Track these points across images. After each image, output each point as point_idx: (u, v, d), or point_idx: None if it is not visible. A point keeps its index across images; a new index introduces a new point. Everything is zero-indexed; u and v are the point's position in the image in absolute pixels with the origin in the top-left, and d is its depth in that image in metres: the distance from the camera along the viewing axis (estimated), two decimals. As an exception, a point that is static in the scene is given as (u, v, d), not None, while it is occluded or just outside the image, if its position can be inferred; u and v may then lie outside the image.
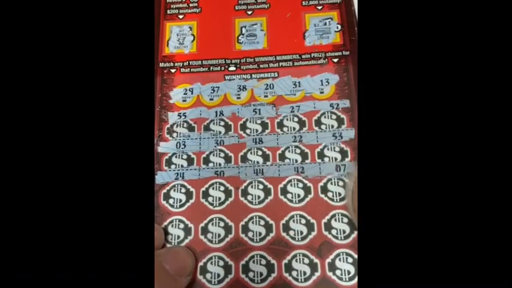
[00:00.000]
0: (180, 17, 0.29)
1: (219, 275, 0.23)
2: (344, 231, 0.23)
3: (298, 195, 0.24)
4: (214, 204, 0.24)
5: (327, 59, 0.27)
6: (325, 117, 0.26)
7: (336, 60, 0.27)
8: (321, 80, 0.27)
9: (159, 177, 0.25)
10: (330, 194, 0.24)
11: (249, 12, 0.29)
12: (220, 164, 0.25)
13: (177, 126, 0.26)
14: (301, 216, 0.23)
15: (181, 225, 0.24)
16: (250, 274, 0.22)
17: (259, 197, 0.24)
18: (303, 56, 0.27)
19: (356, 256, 0.22)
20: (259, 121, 0.26)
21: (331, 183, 0.24)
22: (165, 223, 0.24)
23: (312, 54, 0.27)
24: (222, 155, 0.25)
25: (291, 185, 0.24)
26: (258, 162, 0.25)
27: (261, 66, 0.27)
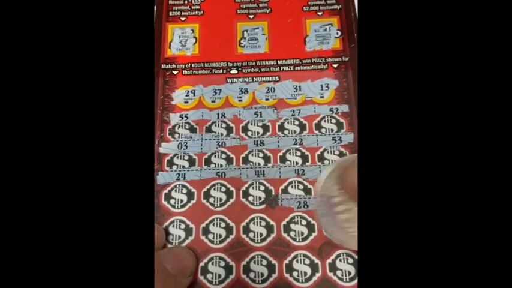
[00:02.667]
0: (183, 19, 0.30)
1: (220, 276, 0.23)
2: (344, 233, 0.23)
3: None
4: (216, 205, 0.24)
5: (327, 65, 0.28)
6: (325, 121, 0.26)
7: (335, 65, 0.28)
8: (321, 85, 0.27)
9: (161, 178, 0.25)
10: (329, 196, 0.24)
11: (251, 16, 0.30)
12: (221, 165, 0.25)
13: (179, 127, 0.26)
14: (301, 217, 0.24)
15: (183, 226, 0.24)
16: (251, 274, 0.23)
17: (260, 198, 0.24)
18: (304, 61, 0.28)
19: (356, 257, 0.23)
20: (260, 124, 0.26)
21: (331, 186, 0.25)
22: (166, 223, 0.24)
23: (313, 59, 0.28)
24: (224, 156, 0.26)
25: (292, 186, 0.25)
26: (259, 164, 0.25)
27: (263, 70, 0.28)
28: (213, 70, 0.28)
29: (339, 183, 0.21)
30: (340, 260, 0.23)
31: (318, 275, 0.22)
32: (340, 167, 0.21)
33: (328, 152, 0.25)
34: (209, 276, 0.23)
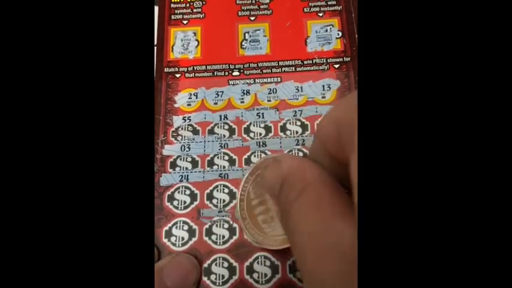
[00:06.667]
0: (185, 22, 0.30)
1: (223, 276, 0.23)
2: (347, 233, 0.23)
3: (302, 198, 0.24)
4: (219, 206, 0.24)
5: (328, 65, 0.28)
6: (327, 121, 0.26)
7: (337, 66, 0.28)
8: (323, 86, 0.27)
9: (164, 180, 0.25)
10: (332, 196, 0.24)
11: (252, 18, 0.30)
12: (224, 167, 0.25)
13: (181, 129, 0.27)
14: (304, 218, 0.24)
15: (186, 227, 0.24)
16: (255, 275, 0.23)
17: (263, 199, 0.24)
18: (305, 62, 0.28)
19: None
20: (262, 125, 0.26)
21: (334, 186, 0.24)
22: (170, 225, 0.24)
23: (314, 60, 0.28)
24: (226, 157, 0.26)
25: (294, 187, 0.25)
26: (261, 165, 0.25)
27: (264, 71, 0.28)
28: (215, 72, 0.28)
29: (256, 185, 0.22)
30: (343, 260, 0.23)
31: (321, 275, 0.22)
32: (258, 167, 0.22)
33: (330, 152, 0.25)
34: (212, 277, 0.23)
